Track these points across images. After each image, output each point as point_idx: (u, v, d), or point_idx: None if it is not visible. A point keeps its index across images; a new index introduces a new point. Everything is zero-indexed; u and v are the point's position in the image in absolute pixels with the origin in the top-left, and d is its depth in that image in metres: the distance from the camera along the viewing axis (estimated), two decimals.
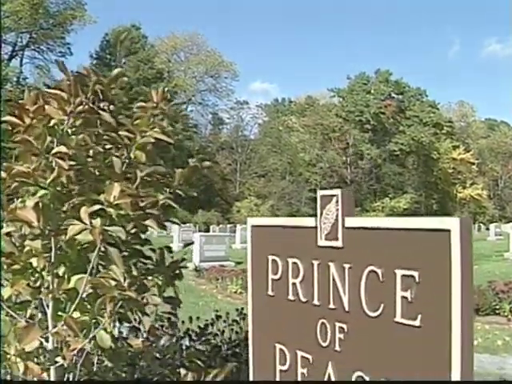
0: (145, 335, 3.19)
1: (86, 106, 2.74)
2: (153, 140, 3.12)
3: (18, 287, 2.88)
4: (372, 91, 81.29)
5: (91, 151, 2.85)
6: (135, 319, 2.85)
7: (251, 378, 2.74)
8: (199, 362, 3.10)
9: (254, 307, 2.78)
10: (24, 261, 2.85)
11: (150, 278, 2.88)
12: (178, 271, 3.09)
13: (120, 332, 3.42)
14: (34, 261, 2.88)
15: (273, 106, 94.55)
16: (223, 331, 5.14)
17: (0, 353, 2.67)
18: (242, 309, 5.48)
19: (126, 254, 2.78)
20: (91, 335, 2.72)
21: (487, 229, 57.64)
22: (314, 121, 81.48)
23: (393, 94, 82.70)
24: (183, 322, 4.99)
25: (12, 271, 2.88)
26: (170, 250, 3.14)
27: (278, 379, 2.58)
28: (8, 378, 2.87)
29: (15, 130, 2.79)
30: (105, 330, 2.83)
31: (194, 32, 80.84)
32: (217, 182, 75.45)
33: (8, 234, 2.86)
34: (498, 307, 11.98)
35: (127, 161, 3.01)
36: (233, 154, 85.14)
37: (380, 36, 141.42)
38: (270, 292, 2.62)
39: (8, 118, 2.82)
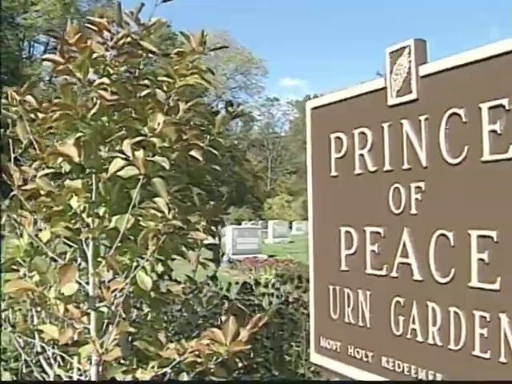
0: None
1: (129, 38, 2.65)
2: (193, 83, 3.04)
3: (56, 229, 2.81)
4: None
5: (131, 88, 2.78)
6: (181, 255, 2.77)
7: (311, 268, 2.57)
8: (243, 308, 3.00)
9: (315, 191, 2.58)
10: (63, 202, 2.78)
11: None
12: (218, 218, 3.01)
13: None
14: (73, 202, 2.81)
15: (304, 103, 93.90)
16: (264, 294, 5.05)
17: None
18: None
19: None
20: (131, 275, 2.65)
21: None
22: None
23: None
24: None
25: (50, 214, 2.82)
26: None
27: (343, 264, 2.39)
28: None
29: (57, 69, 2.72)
30: (145, 272, 2.76)
31: (223, 29, 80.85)
32: (248, 179, 75.40)
33: (46, 176, 2.80)
34: None
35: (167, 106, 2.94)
36: (264, 151, 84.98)
37: (409, 30, 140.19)
38: (333, 172, 2.43)
39: (48, 55, 2.75)
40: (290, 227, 45.21)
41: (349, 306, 2.38)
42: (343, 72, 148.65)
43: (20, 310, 3.45)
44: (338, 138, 2.41)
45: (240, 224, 52.99)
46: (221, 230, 2.96)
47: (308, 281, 5.68)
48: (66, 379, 3.05)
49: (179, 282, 3.13)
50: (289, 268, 16.57)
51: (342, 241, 2.38)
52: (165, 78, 3.00)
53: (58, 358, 3.11)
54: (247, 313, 2.93)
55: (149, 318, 3.18)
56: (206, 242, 2.99)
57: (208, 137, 3.14)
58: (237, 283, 5.56)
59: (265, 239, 33.41)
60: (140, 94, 2.79)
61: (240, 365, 2.80)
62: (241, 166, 73.74)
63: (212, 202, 2.93)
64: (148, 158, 2.44)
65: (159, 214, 2.43)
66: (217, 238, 2.94)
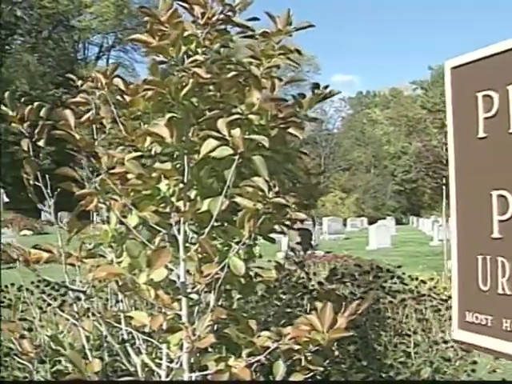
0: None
1: (222, 15, 2.57)
2: (281, 63, 2.95)
3: (145, 214, 2.75)
4: None
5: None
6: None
7: (454, 237, 2.38)
8: (339, 293, 2.89)
9: (458, 154, 2.37)
10: (152, 186, 2.71)
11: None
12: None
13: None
14: (161, 186, 2.74)
15: (356, 99, 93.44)
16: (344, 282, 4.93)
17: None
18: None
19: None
20: (227, 259, 2.56)
21: None
22: (398, 113, 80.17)
23: None
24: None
25: (139, 198, 2.76)
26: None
27: (495, 231, 2.20)
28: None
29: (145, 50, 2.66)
30: (238, 256, 2.67)
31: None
32: (301, 176, 75.06)
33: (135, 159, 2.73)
34: None
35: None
36: (316, 148, 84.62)
37: (462, 25, 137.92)
38: (480, 133, 2.23)
39: (137, 35, 2.69)
40: (344, 224, 44.88)
41: (504, 276, 2.18)
42: (395, 68, 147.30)
43: (99, 297, 3.41)
44: (488, 96, 2.23)
45: None
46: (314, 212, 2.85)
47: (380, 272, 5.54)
48: (152, 367, 2.99)
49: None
50: (348, 264, 16.38)
51: (495, 206, 2.19)
52: (250, 59, 2.91)
53: (144, 346, 3.06)
54: (345, 300, 2.81)
55: (235, 305, 3.11)
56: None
57: None
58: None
59: (320, 235, 33.17)
60: (230, 73, 2.70)
61: (336, 353, 2.71)
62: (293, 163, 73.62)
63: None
64: (246, 136, 2.34)
65: (259, 193, 2.33)
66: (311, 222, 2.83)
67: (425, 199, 77.19)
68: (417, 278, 6.04)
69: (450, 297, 5.47)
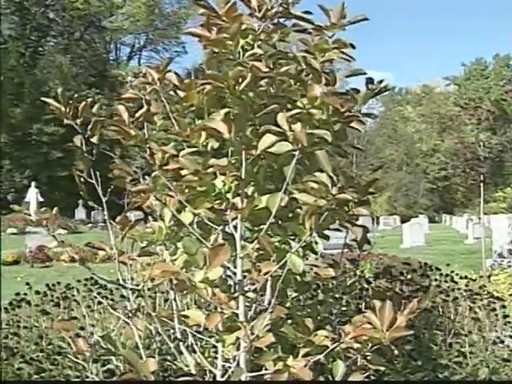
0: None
1: (281, 8, 2.51)
2: (335, 57, 2.88)
3: (199, 210, 2.70)
4: (491, 77, 78.24)
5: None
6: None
7: None
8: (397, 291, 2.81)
9: None
10: (207, 182, 2.67)
11: None
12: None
13: None
14: (217, 182, 2.70)
15: (388, 96, 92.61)
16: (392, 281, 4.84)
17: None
18: None
19: None
20: (285, 259, 2.50)
21: None
22: (430, 110, 79.44)
23: None
24: None
25: (194, 194, 2.71)
26: None
27: None
28: None
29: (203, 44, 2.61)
30: (297, 254, 2.62)
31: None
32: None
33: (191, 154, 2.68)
34: None
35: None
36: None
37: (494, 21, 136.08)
38: None
39: (193, 29, 2.64)
40: (378, 222, 44.61)
41: None
42: (428, 65, 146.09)
43: (142, 296, 3.38)
44: None
45: None
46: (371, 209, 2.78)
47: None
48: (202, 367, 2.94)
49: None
50: (383, 262, 16.21)
51: None
52: (303, 54, 2.85)
53: (197, 345, 3.01)
54: (404, 298, 2.74)
55: (288, 304, 3.04)
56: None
57: None
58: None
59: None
60: (284, 67, 2.65)
61: (396, 352, 2.63)
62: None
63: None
64: (308, 131, 2.28)
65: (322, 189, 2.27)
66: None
67: (458, 197, 76.39)
68: (466, 277, 5.94)
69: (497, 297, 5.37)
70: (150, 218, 2.95)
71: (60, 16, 55.99)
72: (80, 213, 36.34)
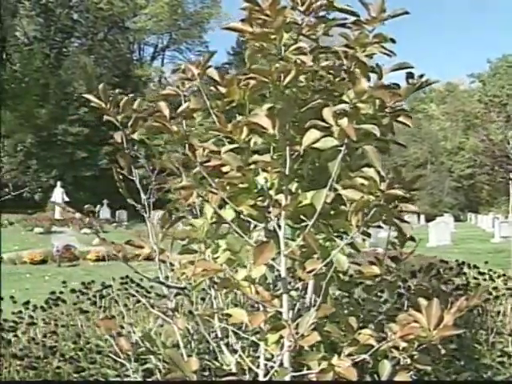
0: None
1: (325, 1, 2.46)
2: (377, 52, 2.82)
3: (242, 207, 2.66)
4: None
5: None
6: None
7: None
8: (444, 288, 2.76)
9: None
10: (250, 179, 2.63)
11: None
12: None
13: None
14: (259, 178, 2.66)
15: (412, 94, 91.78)
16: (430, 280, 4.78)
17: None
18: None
19: None
20: (331, 256, 2.46)
21: None
22: (454, 108, 78.82)
23: None
24: None
25: (236, 191, 2.67)
26: None
27: None
28: None
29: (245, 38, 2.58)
30: (342, 251, 2.57)
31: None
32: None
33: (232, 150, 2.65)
34: None
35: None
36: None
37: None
38: None
39: (235, 24, 2.60)
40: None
41: None
42: (449, 62, 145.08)
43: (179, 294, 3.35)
44: None
45: None
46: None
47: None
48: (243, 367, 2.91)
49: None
50: (409, 260, 16.11)
51: None
52: (344, 48, 2.80)
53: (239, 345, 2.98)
54: (451, 297, 2.69)
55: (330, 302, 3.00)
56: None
57: None
58: None
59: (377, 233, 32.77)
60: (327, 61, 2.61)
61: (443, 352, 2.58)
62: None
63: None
64: (355, 126, 2.23)
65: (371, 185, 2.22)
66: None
67: (483, 195, 75.67)
68: (504, 275, 5.85)
69: None
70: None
71: (84, 17, 56.36)
72: (105, 212, 36.55)
